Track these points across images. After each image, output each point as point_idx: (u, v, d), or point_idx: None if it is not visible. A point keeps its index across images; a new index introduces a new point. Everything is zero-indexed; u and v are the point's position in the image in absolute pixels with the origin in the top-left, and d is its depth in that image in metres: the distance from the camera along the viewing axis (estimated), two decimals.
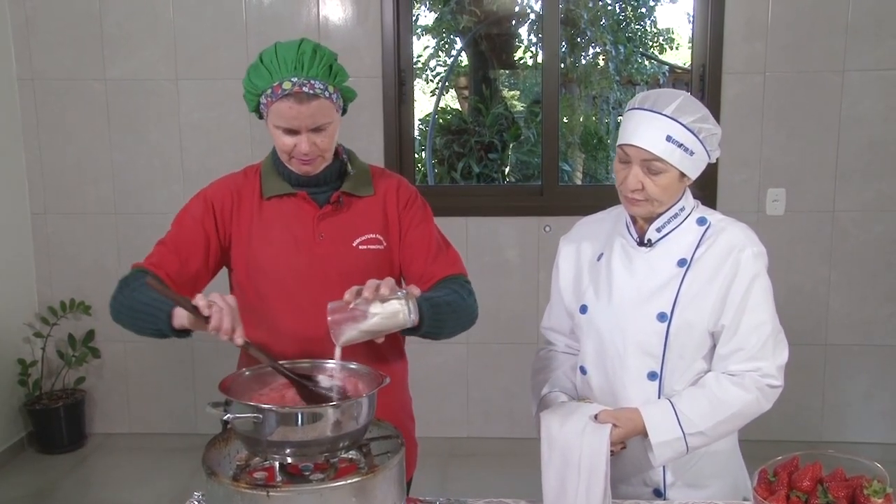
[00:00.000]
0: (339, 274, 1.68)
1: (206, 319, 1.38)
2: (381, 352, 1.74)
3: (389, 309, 1.46)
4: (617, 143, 1.62)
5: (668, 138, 1.54)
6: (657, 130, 1.55)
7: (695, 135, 1.56)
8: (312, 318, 1.64)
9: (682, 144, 1.55)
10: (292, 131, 1.62)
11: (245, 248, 1.72)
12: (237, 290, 1.77)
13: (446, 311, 1.61)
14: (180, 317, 1.46)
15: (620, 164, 1.61)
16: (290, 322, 1.70)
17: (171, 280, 1.63)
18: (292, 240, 1.70)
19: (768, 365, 1.59)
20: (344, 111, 1.72)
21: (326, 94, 1.61)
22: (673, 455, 1.58)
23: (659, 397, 1.63)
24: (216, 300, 1.40)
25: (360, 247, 1.71)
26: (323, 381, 1.49)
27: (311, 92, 1.58)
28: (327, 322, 1.48)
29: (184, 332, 1.51)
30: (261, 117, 1.70)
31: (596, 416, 1.58)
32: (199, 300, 1.39)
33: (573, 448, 1.55)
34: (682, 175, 1.59)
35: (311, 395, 1.45)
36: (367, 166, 1.81)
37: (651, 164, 1.56)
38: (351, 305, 1.46)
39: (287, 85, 1.58)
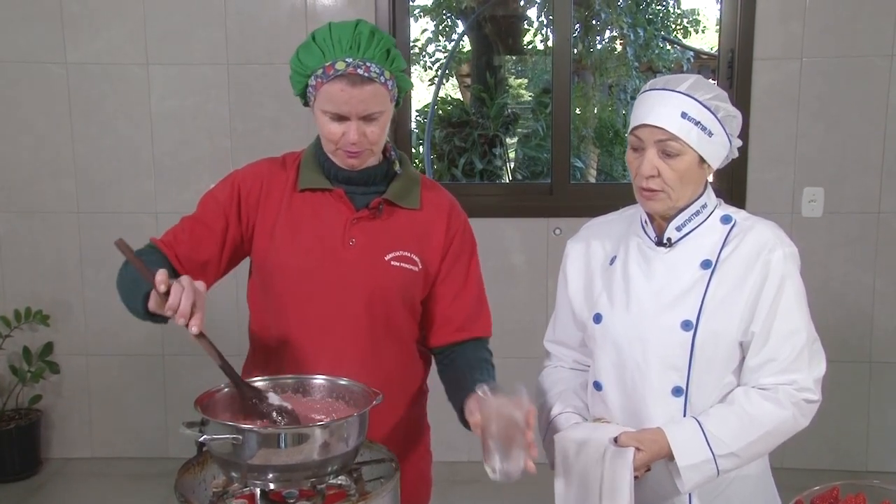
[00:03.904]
0: (365, 288, 1.68)
1: (165, 297, 1.37)
2: (405, 387, 1.77)
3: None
4: (628, 132, 1.64)
5: (684, 115, 1.56)
6: (671, 108, 1.57)
7: (713, 113, 1.58)
8: (328, 330, 1.65)
9: (699, 122, 1.57)
10: (341, 117, 1.62)
11: (267, 241, 1.72)
12: (256, 288, 1.78)
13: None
14: (154, 297, 1.44)
15: (633, 154, 1.63)
16: (303, 331, 1.69)
17: (178, 262, 1.64)
18: (318, 240, 1.70)
19: (804, 377, 1.60)
20: (397, 104, 1.72)
21: (382, 79, 1.61)
22: (702, 480, 1.58)
23: (684, 415, 1.63)
24: (182, 280, 1.39)
25: (393, 263, 1.70)
26: (272, 398, 1.46)
27: (367, 75, 1.59)
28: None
29: (158, 318, 1.48)
30: (306, 104, 1.70)
31: (616, 439, 1.58)
32: (160, 274, 1.38)
33: (593, 476, 1.55)
34: (702, 161, 1.60)
35: (253, 410, 1.44)
36: (417, 175, 1.80)
37: (667, 146, 1.57)
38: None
39: (340, 65, 1.59)
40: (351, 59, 1.58)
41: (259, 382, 1.52)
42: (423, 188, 1.78)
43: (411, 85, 1.72)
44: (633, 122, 1.62)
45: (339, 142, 1.64)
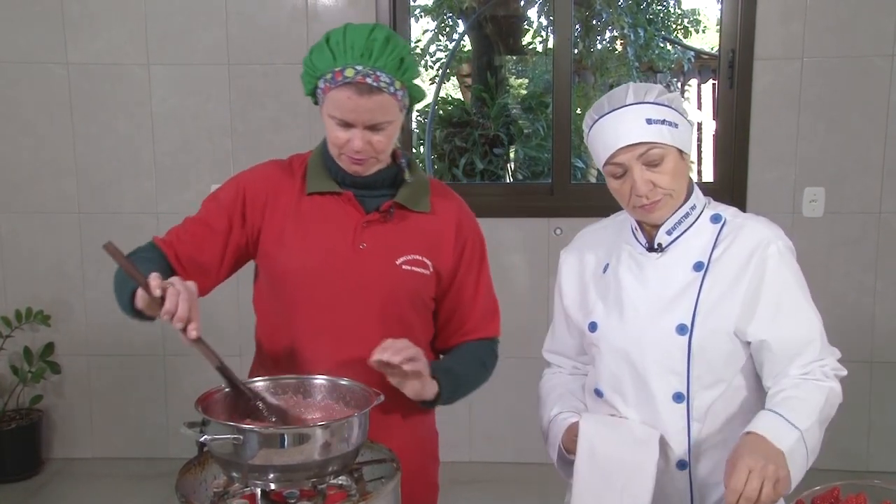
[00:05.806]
0: (377, 293, 1.66)
1: (161, 301, 1.36)
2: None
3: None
4: (601, 166, 1.63)
5: (649, 121, 1.57)
6: (634, 121, 1.57)
7: (666, 106, 1.59)
8: (340, 335, 1.63)
9: (663, 120, 1.57)
10: (347, 124, 1.59)
11: (275, 248, 1.69)
12: (263, 293, 1.75)
13: (463, 385, 1.70)
14: (142, 297, 1.43)
15: (616, 181, 1.62)
16: (317, 341, 1.67)
17: (179, 262, 1.63)
18: (329, 245, 1.67)
19: (831, 361, 1.63)
20: (408, 111, 1.70)
21: (391, 89, 1.58)
22: (800, 465, 1.53)
23: (688, 421, 1.63)
24: (175, 283, 1.39)
25: (404, 267, 1.68)
26: (268, 399, 1.47)
27: (375, 84, 1.55)
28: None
29: (145, 317, 1.48)
30: (316, 103, 1.68)
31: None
32: (153, 279, 1.37)
33: (617, 468, 1.57)
34: (681, 153, 1.61)
35: (254, 412, 1.45)
36: (426, 180, 1.78)
37: (649, 155, 1.57)
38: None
39: (349, 72, 1.55)
40: (360, 67, 1.55)
41: (260, 383, 1.52)
42: (433, 192, 1.76)
43: (424, 95, 1.69)
44: (603, 154, 1.61)
45: (344, 147, 1.62)
